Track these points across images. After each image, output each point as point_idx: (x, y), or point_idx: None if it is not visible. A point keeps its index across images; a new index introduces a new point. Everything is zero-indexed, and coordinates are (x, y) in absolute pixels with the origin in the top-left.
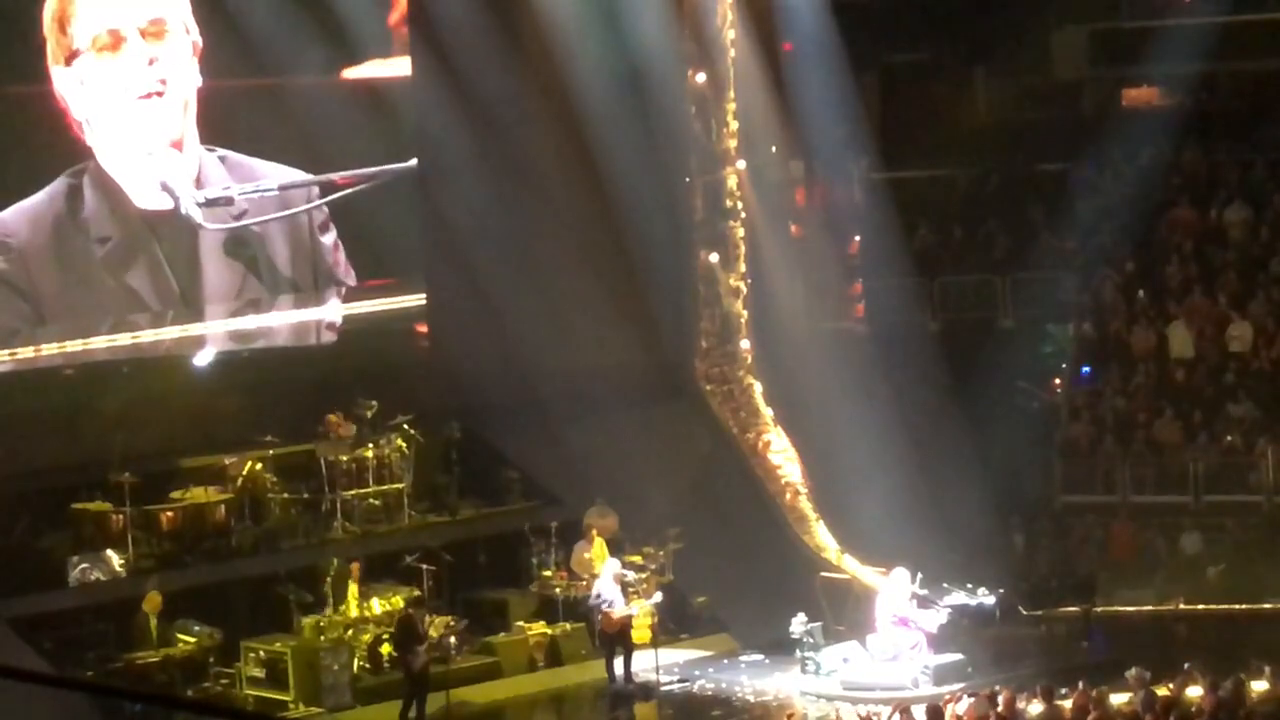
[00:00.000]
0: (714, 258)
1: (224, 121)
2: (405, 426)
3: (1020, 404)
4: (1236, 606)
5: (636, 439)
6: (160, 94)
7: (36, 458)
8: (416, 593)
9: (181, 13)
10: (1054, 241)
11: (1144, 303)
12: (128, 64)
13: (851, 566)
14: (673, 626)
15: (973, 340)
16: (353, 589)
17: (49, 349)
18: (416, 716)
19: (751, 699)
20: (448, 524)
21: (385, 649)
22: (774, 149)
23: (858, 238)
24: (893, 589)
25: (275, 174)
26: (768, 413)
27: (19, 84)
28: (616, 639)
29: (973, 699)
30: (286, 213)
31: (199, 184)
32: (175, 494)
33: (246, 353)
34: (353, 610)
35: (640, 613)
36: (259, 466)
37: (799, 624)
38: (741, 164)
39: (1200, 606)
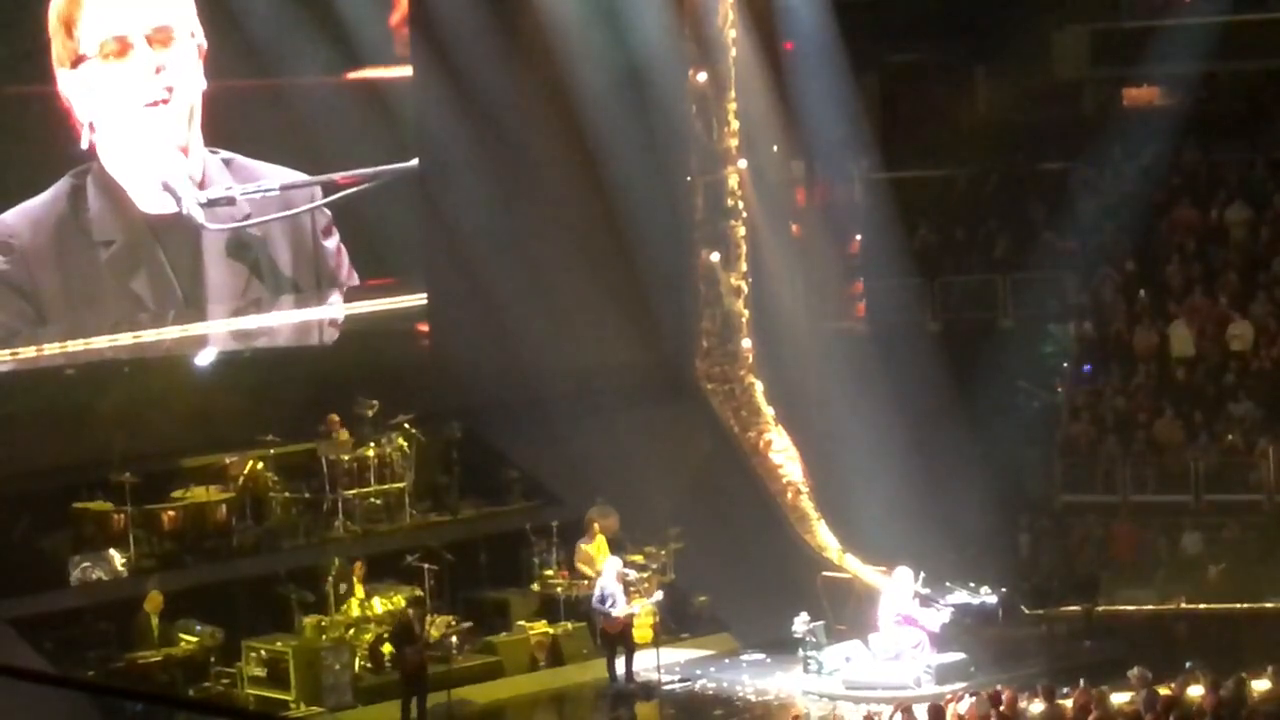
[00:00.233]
0: (715, 257)
1: (225, 122)
2: (406, 426)
3: (1021, 403)
4: (1237, 606)
5: (637, 438)
6: (166, 101)
7: (37, 457)
8: (418, 592)
9: (187, 18)
10: (1055, 241)
11: (1145, 302)
12: (135, 72)
13: (853, 566)
14: (674, 626)
15: (973, 340)
16: (359, 589)
17: (50, 349)
18: (418, 716)
19: (753, 698)
20: (449, 523)
21: (386, 649)
22: (775, 148)
23: (858, 237)
24: (896, 588)
25: (277, 175)
26: (769, 412)
27: (22, 84)
28: (618, 638)
29: (974, 698)
30: (289, 213)
31: (201, 185)
32: (176, 493)
33: (248, 352)
34: (354, 610)
35: (641, 612)
36: (260, 466)
37: (801, 623)
38: (742, 163)
39: (1201, 606)
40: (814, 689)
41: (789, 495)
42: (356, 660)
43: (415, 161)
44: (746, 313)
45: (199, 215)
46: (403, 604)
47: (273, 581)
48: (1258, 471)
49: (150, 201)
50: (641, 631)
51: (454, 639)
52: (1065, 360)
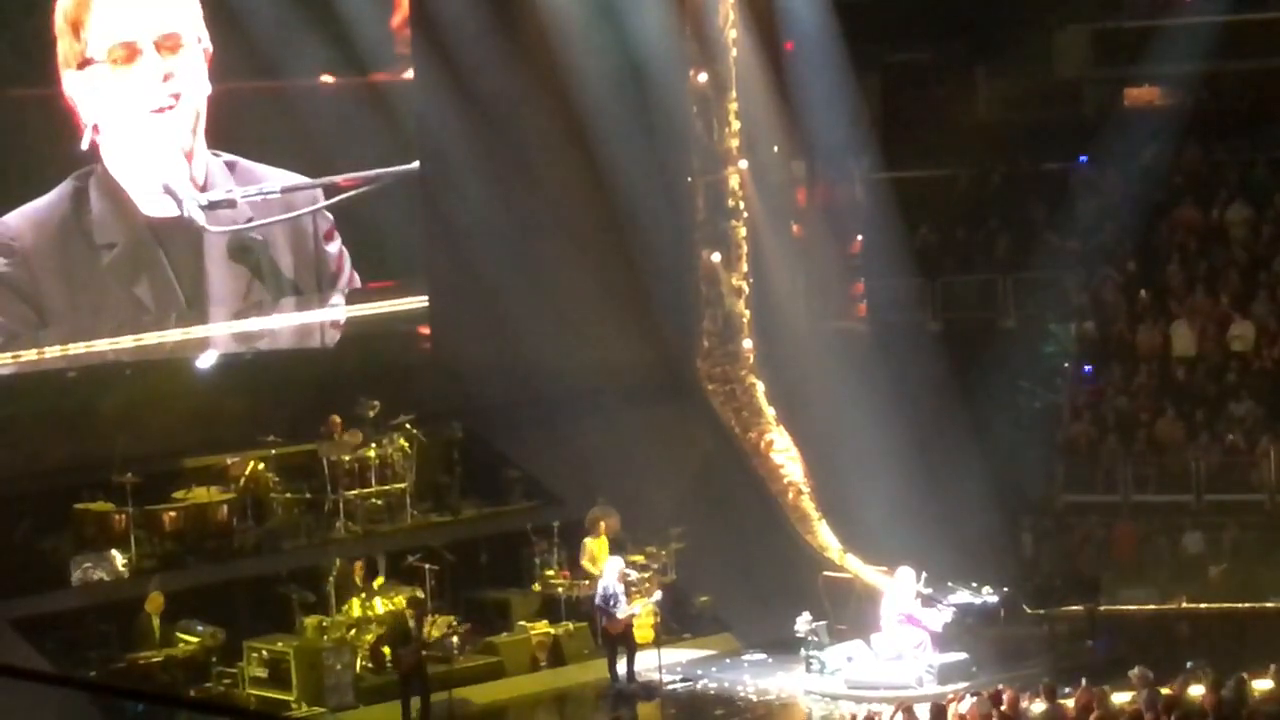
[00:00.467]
0: (716, 257)
1: (226, 124)
2: (407, 426)
3: (1022, 403)
4: (1239, 605)
5: (639, 439)
6: (173, 107)
7: (39, 458)
8: (418, 593)
9: (194, 24)
10: (1056, 241)
11: (1146, 302)
12: (142, 78)
13: (854, 566)
14: (675, 626)
15: (974, 340)
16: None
17: (51, 352)
18: (420, 716)
19: (754, 698)
20: (450, 524)
21: (387, 649)
22: (776, 149)
23: (859, 237)
24: (898, 588)
25: (279, 178)
26: (770, 412)
27: (25, 87)
28: (619, 639)
29: (976, 698)
30: (290, 215)
31: (204, 188)
32: (177, 494)
33: (249, 354)
34: (355, 610)
35: (643, 612)
36: (261, 466)
37: (804, 623)
38: (743, 163)
39: (1202, 605)
40: (816, 689)
41: (790, 495)
42: (358, 660)
43: (416, 163)
44: (747, 313)
45: (200, 218)
46: (403, 604)
47: (274, 582)
48: (1259, 471)
49: (152, 204)
50: (643, 631)
51: (455, 639)
52: (1066, 360)
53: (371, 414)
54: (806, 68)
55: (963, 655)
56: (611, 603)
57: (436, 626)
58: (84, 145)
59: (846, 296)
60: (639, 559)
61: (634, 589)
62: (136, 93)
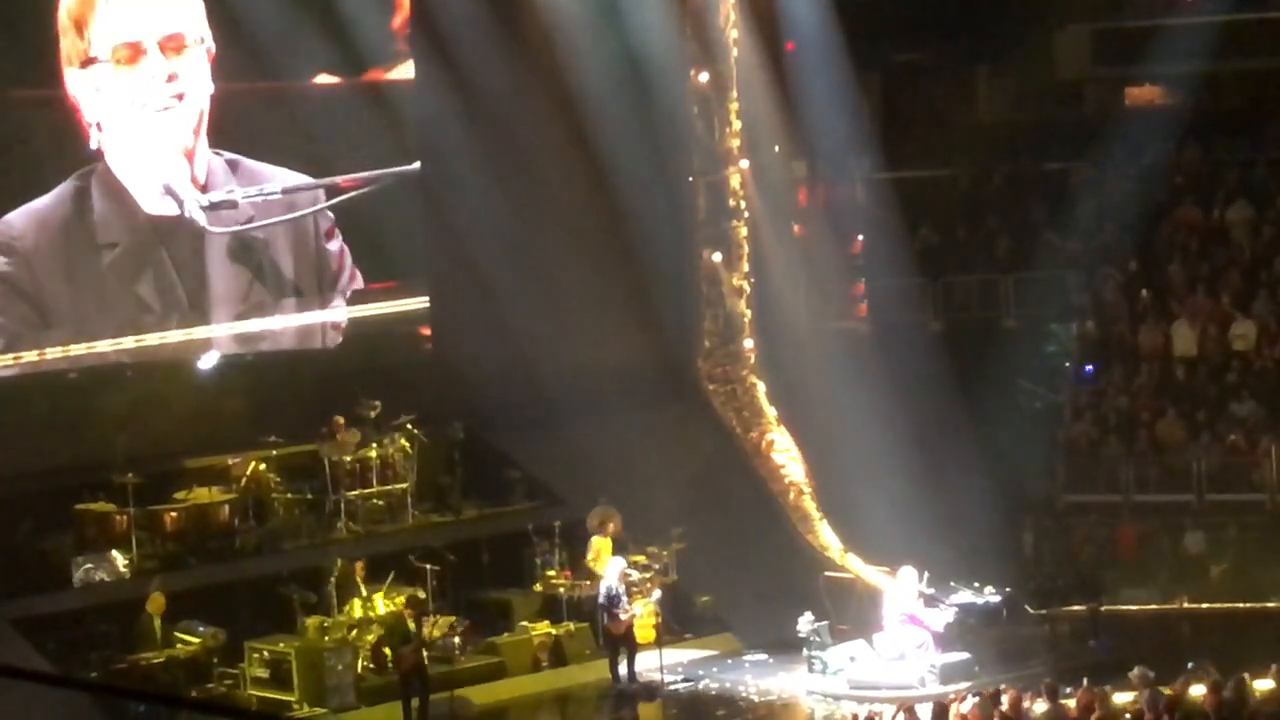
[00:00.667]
0: (717, 257)
1: (228, 124)
2: (409, 427)
3: (1023, 403)
4: (1240, 605)
5: (640, 439)
6: (176, 108)
7: (40, 459)
8: (419, 593)
9: (198, 24)
10: (1056, 241)
11: (1147, 302)
12: (146, 78)
13: (855, 566)
14: (677, 626)
15: (975, 340)
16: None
17: (53, 353)
18: (420, 716)
19: (756, 699)
20: (451, 524)
21: (388, 650)
22: (777, 149)
23: (860, 237)
24: (900, 588)
25: (280, 178)
26: (771, 412)
27: (28, 88)
28: (621, 639)
29: (978, 698)
30: (292, 216)
31: (206, 188)
32: (179, 494)
33: (251, 355)
34: (356, 610)
35: (644, 612)
36: (262, 467)
37: (806, 623)
38: (744, 163)
39: (1204, 605)
40: (818, 689)
41: (791, 495)
42: (359, 661)
43: (417, 164)
44: (749, 313)
45: (200, 218)
46: (404, 605)
47: (275, 582)
48: (1260, 471)
49: (154, 204)
50: (644, 632)
51: (455, 639)
52: (1067, 360)
53: (373, 414)
54: (807, 68)
55: (965, 655)
56: (615, 603)
57: (437, 627)
58: (93, 145)
59: (847, 296)
60: (640, 559)
61: (635, 589)
62: (140, 93)
